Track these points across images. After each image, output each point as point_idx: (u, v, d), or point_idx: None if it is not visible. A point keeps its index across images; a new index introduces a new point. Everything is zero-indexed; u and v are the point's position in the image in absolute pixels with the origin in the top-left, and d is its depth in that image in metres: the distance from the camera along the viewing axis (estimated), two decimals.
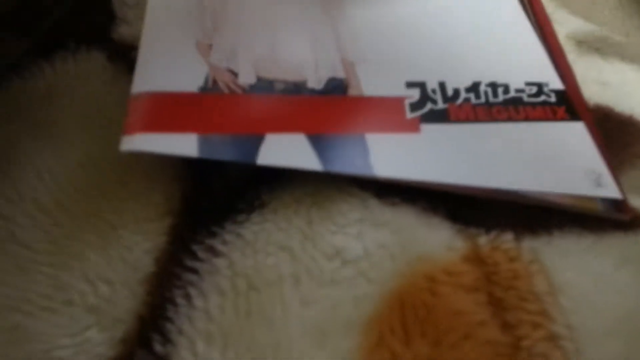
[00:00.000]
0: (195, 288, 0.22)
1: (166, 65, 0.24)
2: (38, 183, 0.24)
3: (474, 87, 0.28)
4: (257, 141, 0.23)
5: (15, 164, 0.24)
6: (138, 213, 0.23)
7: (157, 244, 0.23)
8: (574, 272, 0.22)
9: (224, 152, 0.22)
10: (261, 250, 0.22)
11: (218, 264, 0.22)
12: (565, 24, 0.36)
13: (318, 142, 0.24)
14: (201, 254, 0.22)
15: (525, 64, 0.30)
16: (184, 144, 0.22)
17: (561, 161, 0.26)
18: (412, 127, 0.26)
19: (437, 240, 0.23)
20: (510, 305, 0.21)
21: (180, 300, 0.21)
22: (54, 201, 0.23)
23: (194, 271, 0.22)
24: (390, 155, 0.24)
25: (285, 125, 0.24)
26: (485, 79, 0.28)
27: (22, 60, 0.27)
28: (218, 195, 0.24)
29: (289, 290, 0.21)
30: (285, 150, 0.23)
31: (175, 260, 0.22)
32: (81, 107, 0.25)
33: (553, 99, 0.29)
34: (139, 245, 0.23)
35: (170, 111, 0.23)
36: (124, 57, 0.27)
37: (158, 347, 0.20)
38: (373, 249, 0.22)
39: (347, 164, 0.23)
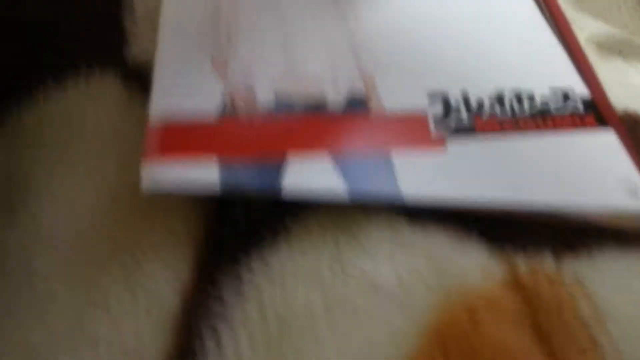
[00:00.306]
0: (224, 322, 0.21)
1: (182, 87, 0.23)
2: (57, 215, 0.23)
3: (499, 97, 0.27)
4: (280, 166, 0.22)
5: (32, 195, 0.23)
6: (160, 243, 0.22)
7: (181, 275, 0.22)
8: (618, 294, 0.21)
9: (247, 181, 0.21)
10: (290, 281, 0.21)
11: (246, 294, 0.21)
12: (584, 27, 0.35)
13: (343, 164, 0.23)
14: (227, 284, 0.21)
15: (548, 70, 0.29)
16: (205, 174, 0.21)
17: (593, 172, 0.25)
18: (438, 143, 0.25)
19: (473, 264, 0.22)
20: (556, 333, 0.20)
21: (208, 337, 0.20)
22: (74, 233, 0.22)
23: (221, 300, 0.21)
24: (419, 177, 0.23)
25: (308, 147, 0.23)
26: (508, 86, 0.27)
27: (33, 83, 0.26)
28: (241, 222, 0.23)
29: (322, 327, 0.20)
30: (310, 178, 0.22)
31: (201, 291, 0.21)
32: (97, 133, 0.24)
33: (580, 106, 0.28)
34: (163, 278, 0.22)
35: (189, 138, 0.22)
36: (138, 77, 0.26)
37: None
38: (407, 277, 0.21)
39: (374, 192, 0.22)
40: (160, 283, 0.21)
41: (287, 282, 0.21)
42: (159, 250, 0.22)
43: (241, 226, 0.23)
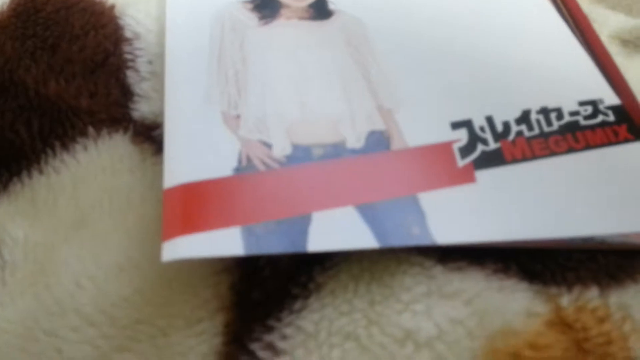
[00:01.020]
0: None
1: (195, 149, 0.23)
2: (78, 291, 0.22)
3: (525, 117, 0.26)
4: (304, 223, 0.21)
5: (51, 272, 0.23)
6: (187, 314, 0.22)
7: (213, 345, 0.21)
8: None
9: (271, 244, 0.20)
10: (325, 343, 0.21)
11: None
12: (605, 23, 0.33)
13: (369, 213, 0.22)
14: (261, 353, 0.21)
15: (573, 80, 0.28)
16: (228, 242, 0.20)
17: (633, 191, 0.23)
18: (467, 176, 0.24)
19: (516, 306, 0.21)
20: None
21: None
22: (98, 311, 0.22)
23: None
24: (449, 215, 0.22)
25: (331, 200, 0.22)
26: (534, 105, 0.26)
27: (40, 152, 0.25)
28: (269, 282, 0.22)
29: None
30: (335, 230, 0.21)
31: None
32: (111, 202, 0.24)
33: (611, 117, 0.26)
34: (194, 350, 0.21)
35: (208, 204, 0.21)
36: (149, 137, 0.26)
37: None
38: (446, 326, 0.20)
39: (404, 235, 0.21)
40: (192, 358, 0.21)
41: (322, 345, 0.20)
42: (189, 323, 0.21)
43: (269, 287, 0.22)
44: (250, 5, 0.29)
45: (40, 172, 0.25)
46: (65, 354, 0.21)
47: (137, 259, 0.22)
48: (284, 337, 0.21)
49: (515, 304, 0.21)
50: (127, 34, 0.28)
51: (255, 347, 0.21)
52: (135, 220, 0.23)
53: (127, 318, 0.22)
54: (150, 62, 0.27)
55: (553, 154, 0.24)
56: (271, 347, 0.21)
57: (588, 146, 0.25)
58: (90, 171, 0.25)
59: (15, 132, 0.25)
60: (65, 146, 0.25)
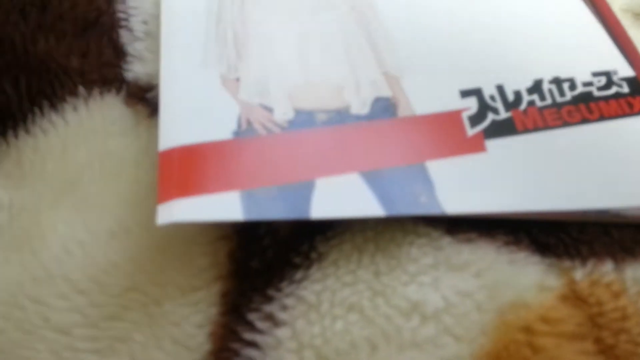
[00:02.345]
0: None
1: (193, 111, 0.22)
2: (67, 257, 0.21)
3: (537, 87, 0.25)
4: (307, 190, 0.20)
5: (37, 237, 0.22)
6: (182, 282, 0.21)
7: (208, 316, 0.20)
8: None
9: (272, 210, 0.19)
10: (327, 314, 0.20)
11: (280, 335, 0.19)
12: None
13: (375, 180, 0.21)
14: (260, 324, 0.20)
15: (587, 51, 0.27)
16: (226, 207, 0.19)
17: None
18: (476, 145, 0.23)
19: (527, 280, 0.20)
20: (624, 352, 0.18)
21: None
22: (87, 278, 0.21)
23: (255, 346, 0.19)
24: (458, 185, 0.21)
25: (335, 166, 0.21)
26: (546, 74, 0.25)
27: (27, 112, 0.24)
28: (269, 251, 0.21)
29: None
30: (340, 197, 0.20)
31: (231, 334, 0.20)
32: (103, 165, 0.23)
33: (626, 89, 0.25)
34: (188, 320, 0.20)
35: (206, 167, 0.20)
36: (143, 99, 0.24)
37: None
38: (454, 298, 0.20)
39: (411, 203, 0.20)
40: (186, 327, 0.20)
41: (324, 316, 0.19)
42: (183, 292, 0.20)
43: (269, 256, 0.21)
44: None
45: (27, 132, 0.23)
46: (52, 322, 0.20)
47: (129, 225, 0.21)
48: (284, 308, 0.20)
49: (527, 277, 0.20)
50: None
51: (253, 317, 0.20)
52: (127, 185, 0.22)
53: (118, 286, 0.21)
54: (144, 22, 0.26)
55: (566, 124, 0.23)
56: (271, 318, 0.20)
57: (602, 117, 0.24)
58: (80, 133, 0.23)
59: (1, 91, 0.24)
60: (53, 106, 0.24)
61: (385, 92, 0.24)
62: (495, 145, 0.22)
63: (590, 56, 0.26)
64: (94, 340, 0.20)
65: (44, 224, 0.22)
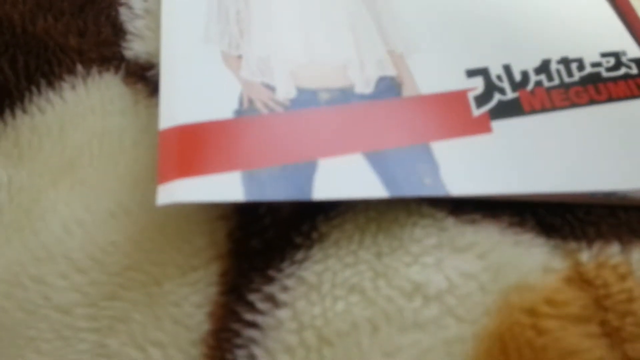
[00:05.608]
0: (260, 347, 0.19)
1: (193, 90, 0.21)
2: (67, 237, 0.21)
3: (544, 67, 0.24)
4: (309, 170, 0.20)
5: (37, 217, 0.21)
6: (181, 262, 0.20)
7: (208, 295, 0.20)
8: None
9: (274, 190, 0.19)
10: (328, 295, 0.19)
11: (281, 316, 0.19)
12: None
13: (378, 161, 0.20)
14: (260, 305, 0.19)
15: (595, 31, 0.26)
16: (227, 187, 0.19)
17: None
18: (482, 126, 0.22)
19: (532, 261, 0.20)
20: (630, 335, 0.18)
21: None
22: (87, 257, 0.21)
23: (255, 326, 0.19)
24: (463, 166, 0.21)
25: (338, 146, 0.21)
26: (554, 54, 0.25)
27: (24, 90, 0.24)
28: (269, 231, 0.21)
29: (367, 341, 0.18)
30: (343, 177, 0.20)
31: (231, 314, 0.19)
32: (102, 145, 0.22)
33: (635, 70, 0.25)
34: (188, 300, 0.20)
35: (206, 147, 0.20)
36: (142, 78, 0.24)
37: None
38: (458, 279, 0.19)
39: (415, 184, 0.20)
40: (186, 307, 0.19)
41: (325, 297, 0.19)
42: (183, 271, 0.20)
43: (269, 236, 0.21)
44: None
45: (24, 111, 0.23)
46: (53, 301, 0.20)
47: (128, 205, 0.21)
48: (285, 289, 0.19)
49: (532, 259, 0.20)
50: None
51: (254, 298, 0.19)
52: (126, 164, 0.22)
53: (117, 264, 0.20)
54: (145, 1, 0.25)
55: (574, 105, 0.23)
56: (271, 299, 0.19)
57: (610, 98, 0.23)
58: (78, 112, 0.23)
59: None
60: (51, 84, 0.23)
61: (390, 71, 0.23)
62: (501, 126, 0.22)
63: (598, 36, 0.26)
64: (93, 319, 0.20)
65: (44, 204, 0.22)
